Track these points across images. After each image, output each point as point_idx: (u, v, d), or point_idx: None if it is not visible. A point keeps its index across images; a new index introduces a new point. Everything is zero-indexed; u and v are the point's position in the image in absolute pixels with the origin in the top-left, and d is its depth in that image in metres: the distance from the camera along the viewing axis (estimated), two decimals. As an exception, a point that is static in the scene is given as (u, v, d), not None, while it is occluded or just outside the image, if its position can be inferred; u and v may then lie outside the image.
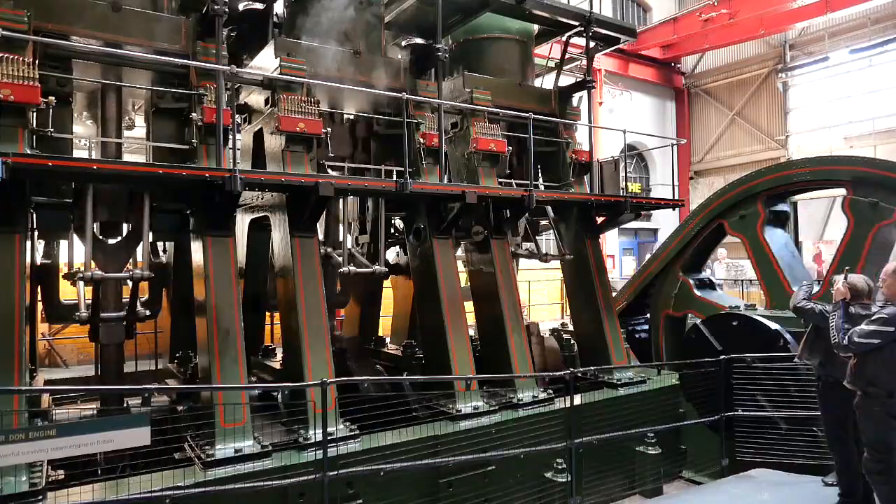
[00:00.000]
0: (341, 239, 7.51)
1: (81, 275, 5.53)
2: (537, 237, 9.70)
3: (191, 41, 6.10)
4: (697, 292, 9.62)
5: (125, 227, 6.49)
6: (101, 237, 6.21)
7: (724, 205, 9.47)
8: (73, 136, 6.18)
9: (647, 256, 11.87)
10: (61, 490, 4.53)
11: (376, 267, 7.14)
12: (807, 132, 23.50)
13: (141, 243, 6.02)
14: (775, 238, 9.03)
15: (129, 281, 6.18)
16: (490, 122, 7.81)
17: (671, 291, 9.93)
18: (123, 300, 6.55)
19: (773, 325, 7.80)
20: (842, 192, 8.52)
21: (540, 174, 9.10)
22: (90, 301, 6.28)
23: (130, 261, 6.36)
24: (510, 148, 8.10)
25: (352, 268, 6.81)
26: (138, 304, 6.54)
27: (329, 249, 7.10)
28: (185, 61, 5.87)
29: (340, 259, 6.85)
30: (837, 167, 8.72)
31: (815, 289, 5.57)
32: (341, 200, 7.69)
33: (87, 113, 7.15)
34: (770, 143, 24.40)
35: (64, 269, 6.99)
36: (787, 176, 9.04)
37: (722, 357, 7.33)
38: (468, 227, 7.81)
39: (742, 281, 17.22)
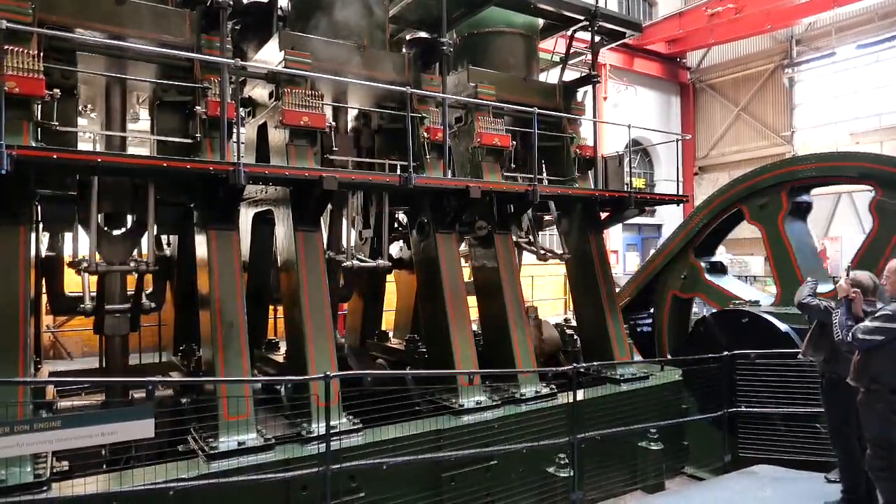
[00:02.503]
0: (345, 233, 7.50)
1: (86, 264, 5.55)
2: (541, 233, 9.70)
3: (195, 34, 6.09)
4: (707, 276, 9.59)
5: (129, 218, 6.50)
6: (105, 228, 6.22)
7: (746, 191, 9.34)
8: (77, 129, 6.18)
9: (651, 252, 11.85)
10: (66, 481, 4.55)
11: (380, 261, 7.15)
12: (813, 128, 23.41)
13: (146, 234, 6.03)
14: (795, 231, 8.91)
15: (134, 273, 6.21)
16: (494, 117, 7.79)
17: (681, 272, 9.89)
18: (128, 292, 6.57)
19: (784, 327, 7.80)
20: (847, 188, 8.51)
21: (544, 169, 9.08)
22: (94, 293, 6.32)
23: (135, 252, 6.38)
24: (514, 143, 8.08)
25: (355, 262, 6.82)
26: (143, 296, 6.56)
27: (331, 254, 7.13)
28: (190, 54, 5.86)
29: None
30: (844, 163, 8.68)
31: (822, 287, 5.54)
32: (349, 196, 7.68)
33: (92, 106, 7.16)
34: (775, 139, 24.32)
35: (69, 262, 7.03)
36: (793, 172, 9.01)
37: (725, 353, 7.32)
38: (472, 222, 7.79)
39: (745, 277, 17.20)
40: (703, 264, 9.79)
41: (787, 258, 8.83)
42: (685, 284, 9.87)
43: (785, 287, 8.75)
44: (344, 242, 7.80)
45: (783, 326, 7.83)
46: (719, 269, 9.97)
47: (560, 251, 9.05)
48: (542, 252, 8.79)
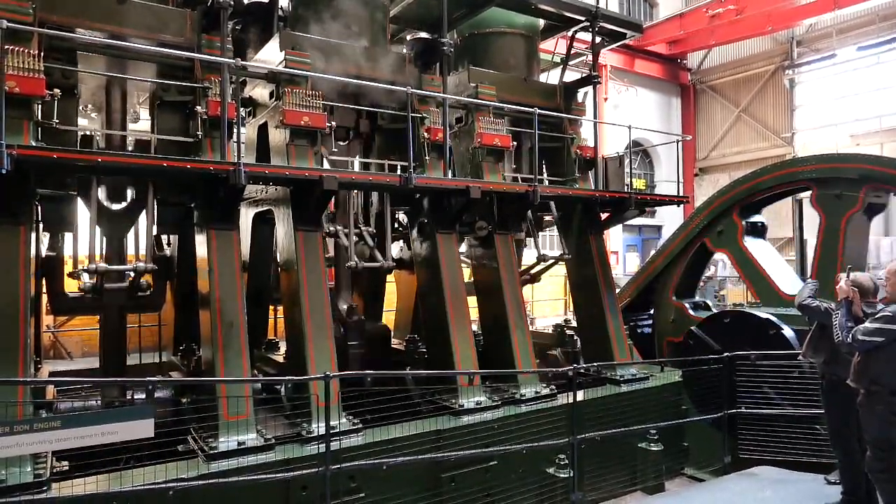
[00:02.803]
0: (347, 233, 7.50)
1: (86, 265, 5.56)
2: (541, 233, 9.70)
3: (196, 34, 6.09)
4: (744, 237, 9.48)
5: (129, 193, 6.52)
6: (105, 203, 6.24)
7: (816, 173, 9.06)
8: (78, 129, 6.18)
9: (652, 252, 11.86)
10: (65, 481, 4.55)
11: (381, 261, 7.15)
12: (813, 129, 23.40)
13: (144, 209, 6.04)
14: (855, 233, 8.65)
15: (133, 273, 6.22)
16: (495, 117, 7.79)
17: (719, 225, 9.77)
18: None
19: (763, 315, 7.84)
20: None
21: (545, 170, 9.08)
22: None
23: (135, 249, 6.40)
24: (515, 143, 8.08)
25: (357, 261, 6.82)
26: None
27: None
28: (190, 54, 5.86)
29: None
30: (845, 165, 8.67)
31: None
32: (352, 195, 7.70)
33: (92, 105, 7.16)
34: (776, 141, 24.31)
35: (69, 262, 7.03)
36: (793, 174, 9.00)
37: (725, 354, 7.32)
38: (472, 223, 7.80)
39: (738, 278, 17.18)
40: (686, 304, 9.85)
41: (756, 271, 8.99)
42: (675, 328, 9.89)
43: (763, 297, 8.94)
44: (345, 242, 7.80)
45: (763, 314, 8.02)
46: (703, 307, 10.07)
47: (560, 252, 9.07)
48: (542, 255, 8.83)
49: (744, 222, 9.51)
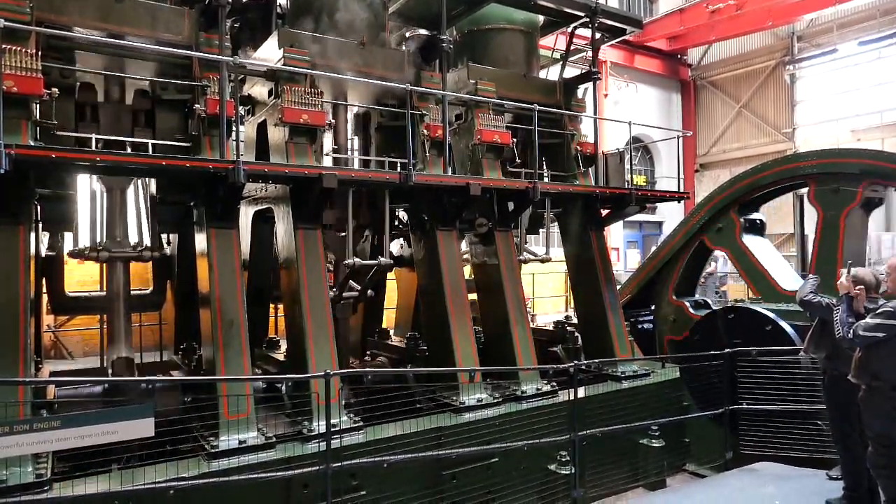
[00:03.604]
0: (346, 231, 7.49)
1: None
2: (541, 230, 9.68)
3: (194, 32, 6.07)
4: (742, 234, 9.45)
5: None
6: None
7: (815, 169, 9.00)
8: (77, 135, 6.17)
9: (653, 249, 11.84)
10: (66, 481, 4.55)
11: (381, 259, 7.13)
12: (814, 125, 23.35)
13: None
14: (854, 228, 8.62)
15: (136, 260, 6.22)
16: (495, 114, 7.77)
17: (718, 222, 9.73)
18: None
19: (767, 312, 7.90)
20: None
21: (545, 166, 9.07)
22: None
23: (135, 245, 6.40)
24: (515, 140, 8.06)
25: (356, 260, 6.81)
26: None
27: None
28: (189, 52, 5.85)
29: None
30: (846, 160, 8.65)
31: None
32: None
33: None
34: (777, 136, 24.26)
35: (68, 262, 7.03)
36: (794, 169, 8.97)
37: (727, 350, 7.31)
38: (472, 220, 7.78)
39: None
40: (687, 303, 9.82)
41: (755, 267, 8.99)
42: (675, 327, 9.90)
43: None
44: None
45: (761, 308, 8.08)
46: (703, 305, 10.02)
47: (560, 249, 9.07)
48: (524, 258, 8.84)
49: (742, 219, 9.48)
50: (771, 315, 8.05)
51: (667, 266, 10.26)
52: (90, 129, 5.91)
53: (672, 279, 10.11)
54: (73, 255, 6.34)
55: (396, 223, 8.91)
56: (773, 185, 9.30)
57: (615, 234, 22.74)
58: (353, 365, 8.25)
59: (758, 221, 9.69)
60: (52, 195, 6.24)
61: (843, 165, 8.56)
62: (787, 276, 9.11)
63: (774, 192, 9.77)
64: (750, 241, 9.41)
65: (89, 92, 6.25)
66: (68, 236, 7.05)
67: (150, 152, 5.90)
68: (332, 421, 5.10)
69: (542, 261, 9.02)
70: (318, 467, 4.95)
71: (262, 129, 7.01)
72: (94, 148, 5.62)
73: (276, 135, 6.44)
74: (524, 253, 9.00)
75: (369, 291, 7.83)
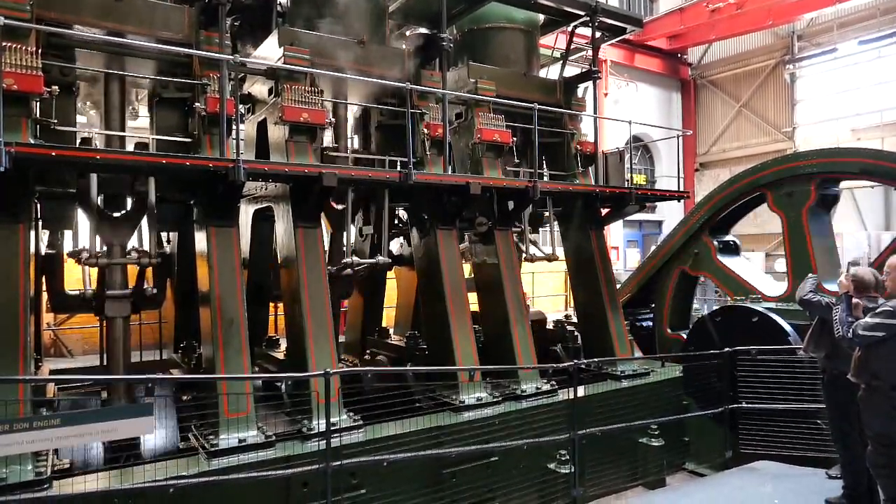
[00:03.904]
0: (346, 230, 7.49)
1: (87, 255, 5.56)
2: (541, 228, 9.68)
3: (194, 30, 6.08)
4: (718, 256, 9.58)
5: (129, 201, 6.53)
6: (105, 209, 6.25)
7: (771, 177, 9.20)
8: (77, 130, 6.17)
9: (652, 248, 11.83)
10: (66, 479, 4.55)
11: (380, 258, 7.14)
12: (814, 124, 23.34)
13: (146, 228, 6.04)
14: (818, 226, 8.79)
15: (135, 265, 6.22)
16: (494, 113, 7.77)
17: (692, 249, 9.87)
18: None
19: (752, 306, 8.07)
20: (850, 184, 8.52)
21: (545, 165, 9.06)
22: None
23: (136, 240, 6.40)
24: (515, 139, 8.06)
25: (356, 258, 6.81)
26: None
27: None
28: (189, 50, 5.85)
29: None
30: (845, 159, 8.66)
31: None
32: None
33: (91, 102, 7.14)
34: (777, 136, 24.25)
35: (68, 260, 7.02)
36: (794, 168, 8.97)
37: (726, 349, 7.31)
38: (472, 219, 7.79)
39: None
40: (715, 243, 9.79)
41: (806, 253, 8.76)
42: (695, 262, 9.96)
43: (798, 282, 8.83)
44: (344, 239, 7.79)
45: (760, 308, 8.10)
46: (732, 248, 9.97)
47: (559, 247, 9.06)
48: (531, 254, 8.83)
49: (715, 242, 9.72)
50: (757, 307, 8.11)
51: (667, 265, 10.25)
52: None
53: (663, 317, 10.20)
54: (71, 255, 6.33)
55: (396, 222, 8.92)
56: (824, 175, 9.07)
57: (615, 233, 22.73)
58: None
59: (731, 243, 9.94)
60: (51, 193, 6.24)
61: (843, 165, 8.58)
62: (772, 286, 9.31)
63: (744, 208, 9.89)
64: (729, 261, 9.63)
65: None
66: (68, 234, 7.05)
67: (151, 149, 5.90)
68: (332, 420, 5.10)
69: (549, 259, 9.00)
70: (317, 466, 4.95)
71: (262, 127, 7.00)
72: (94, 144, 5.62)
73: (276, 133, 6.43)
74: (532, 249, 8.99)
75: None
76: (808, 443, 6.62)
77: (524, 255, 8.88)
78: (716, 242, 9.68)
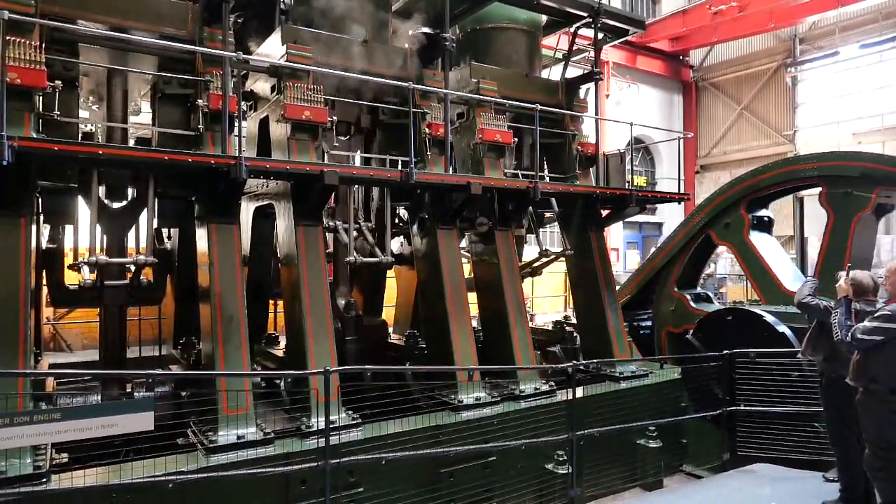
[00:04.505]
0: (347, 228, 7.49)
1: (87, 257, 5.57)
2: (542, 229, 9.69)
3: (197, 27, 6.08)
4: (750, 232, 9.37)
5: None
6: (106, 201, 6.24)
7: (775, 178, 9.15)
8: (79, 121, 6.18)
9: (652, 250, 11.84)
10: (65, 473, 4.56)
11: (381, 257, 7.14)
12: (815, 127, 23.35)
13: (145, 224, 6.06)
14: (864, 234, 8.54)
15: (133, 266, 6.22)
16: (496, 113, 7.78)
17: (725, 218, 9.62)
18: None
19: (769, 317, 7.90)
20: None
21: (546, 166, 9.07)
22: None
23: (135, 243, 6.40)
24: (516, 139, 8.06)
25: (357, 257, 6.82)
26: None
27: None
28: (192, 47, 5.85)
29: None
30: (846, 163, 8.65)
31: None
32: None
33: (94, 98, 7.14)
34: (777, 138, 24.27)
35: (69, 254, 7.03)
36: (794, 171, 8.98)
37: (725, 352, 7.32)
38: (473, 219, 7.79)
39: (740, 276, 17.15)
40: (687, 296, 9.82)
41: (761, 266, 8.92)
42: (676, 319, 9.86)
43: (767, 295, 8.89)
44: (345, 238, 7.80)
45: (759, 310, 8.13)
46: (704, 298, 10.04)
47: (560, 248, 9.07)
48: (544, 249, 8.83)
49: (751, 216, 9.36)
50: (770, 319, 8.06)
51: (667, 266, 10.24)
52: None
53: (675, 271, 10.03)
54: (72, 268, 6.33)
55: (397, 221, 8.93)
56: (776, 187, 9.23)
57: (615, 234, 22.74)
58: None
59: (765, 218, 9.58)
60: (53, 188, 6.25)
61: (844, 168, 8.57)
62: (791, 276, 9.07)
63: (775, 195, 9.74)
64: (757, 238, 9.32)
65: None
66: (69, 229, 7.05)
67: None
68: (331, 417, 5.11)
69: (563, 255, 8.97)
70: (316, 463, 4.96)
71: (264, 125, 7.01)
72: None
73: (278, 131, 6.44)
74: (543, 249, 9.03)
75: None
76: (806, 446, 6.64)
77: (540, 250, 8.89)
78: (751, 216, 9.34)
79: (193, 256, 6.46)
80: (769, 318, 8.03)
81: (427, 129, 7.21)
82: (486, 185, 6.98)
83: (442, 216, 7.26)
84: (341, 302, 7.79)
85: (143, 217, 7.26)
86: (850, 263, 8.21)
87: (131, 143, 6.81)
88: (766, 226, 9.53)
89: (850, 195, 8.41)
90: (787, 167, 9.32)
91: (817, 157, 9.20)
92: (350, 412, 5.86)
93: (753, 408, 7.13)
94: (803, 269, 11.20)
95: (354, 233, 7.29)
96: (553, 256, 9.29)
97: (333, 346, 6.16)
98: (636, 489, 7.17)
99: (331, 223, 7.32)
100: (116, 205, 6.48)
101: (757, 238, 9.32)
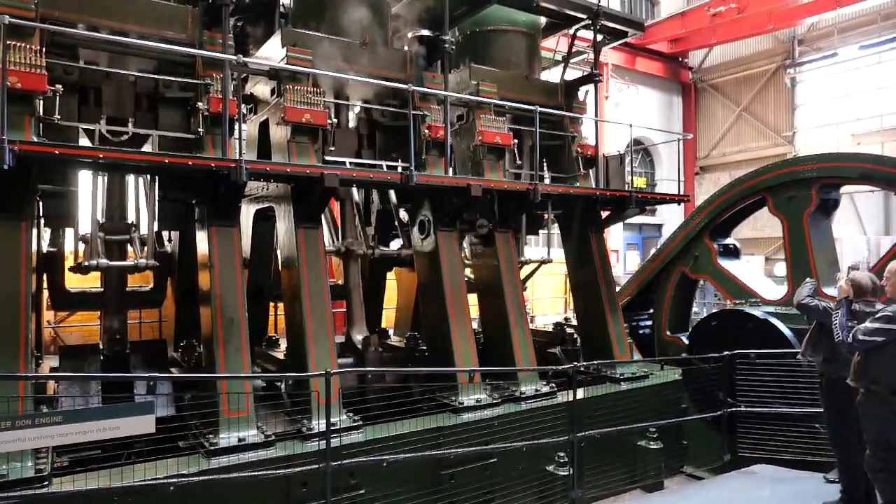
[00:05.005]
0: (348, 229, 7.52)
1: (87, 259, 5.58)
2: (542, 231, 9.69)
3: (197, 30, 6.08)
4: (718, 259, 9.61)
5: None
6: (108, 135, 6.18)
7: (771, 181, 9.22)
8: (79, 125, 6.18)
9: (652, 251, 11.84)
10: (66, 476, 4.56)
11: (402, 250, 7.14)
12: (814, 129, 23.35)
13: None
14: (818, 230, 8.78)
15: (134, 270, 6.22)
16: (496, 115, 7.79)
17: (694, 251, 9.89)
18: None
19: (749, 310, 8.04)
20: (850, 189, 8.53)
21: (546, 168, 9.08)
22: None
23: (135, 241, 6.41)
24: (516, 141, 8.07)
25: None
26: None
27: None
28: (192, 50, 5.86)
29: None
30: (845, 164, 8.68)
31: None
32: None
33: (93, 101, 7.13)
34: (777, 140, 24.27)
35: (69, 258, 7.04)
36: (794, 172, 9.00)
37: (725, 353, 7.32)
38: (473, 220, 7.80)
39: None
40: (716, 246, 9.83)
41: (806, 257, 8.75)
42: (696, 264, 9.99)
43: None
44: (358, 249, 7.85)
45: (758, 313, 8.17)
46: (732, 251, 10.00)
47: (560, 251, 9.08)
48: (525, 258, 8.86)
49: (716, 245, 9.72)
50: (754, 312, 8.13)
51: (667, 268, 10.26)
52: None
53: (662, 318, 10.21)
54: (73, 270, 6.33)
55: (397, 223, 8.93)
56: (825, 179, 9.02)
57: (615, 236, 22.74)
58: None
59: (731, 246, 9.95)
60: (53, 191, 6.25)
61: (843, 169, 8.60)
62: (771, 289, 9.33)
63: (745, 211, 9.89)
64: (729, 264, 9.65)
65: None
66: (69, 232, 7.06)
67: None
68: (332, 420, 5.11)
69: (543, 262, 9.01)
70: (317, 466, 4.96)
71: (264, 127, 7.02)
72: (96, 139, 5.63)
73: (278, 134, 6.45)
74: (526, 254, 9.02)
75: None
76: (807, 447, 6.64)
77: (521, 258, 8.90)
78: (716, 245, 9.72)
79: (194, 259, 6.47)
80: (751, 310, 8.17)
81: (427, 132, 7.22)
82: (486, 186, 6.98)
83: (442, 218, 7.27)
84: (358, 338, 7.79)
85: (144, 219, 7.28)
86: (817, 260, 8.42)
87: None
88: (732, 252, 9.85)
89: (793, 198, 8.81)
90: (787, 168, 9.32)
91: (816, 159, 9.21)
92: (351, 414, 5.86)
93: (754, 409, 7.13)
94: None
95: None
96: (536, 266, 9.28)
97: (334, 348, 6.16)
98: (637, 490, 7.17)
99: (342, 248, 7.38)
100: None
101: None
